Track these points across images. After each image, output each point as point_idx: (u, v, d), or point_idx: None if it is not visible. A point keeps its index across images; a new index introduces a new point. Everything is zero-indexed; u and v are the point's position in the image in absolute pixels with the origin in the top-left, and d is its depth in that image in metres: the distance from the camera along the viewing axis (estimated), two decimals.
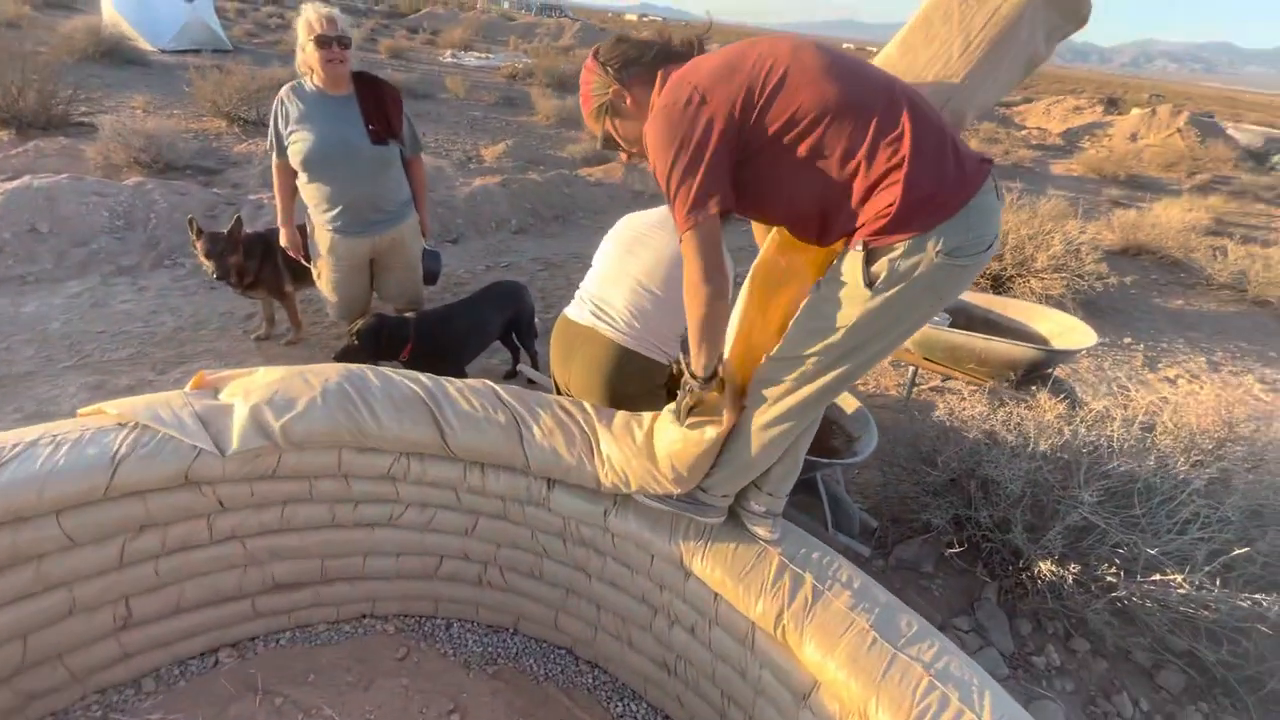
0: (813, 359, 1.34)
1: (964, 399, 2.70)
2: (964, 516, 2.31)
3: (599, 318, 1.87)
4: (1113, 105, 22.71)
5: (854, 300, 1.25)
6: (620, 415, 1.72)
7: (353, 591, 1.95)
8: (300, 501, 1.76)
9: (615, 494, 1.67)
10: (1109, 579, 1.95)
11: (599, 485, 1.64)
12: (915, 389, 3.77)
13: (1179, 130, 16.43)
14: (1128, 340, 4.96)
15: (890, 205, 1.16)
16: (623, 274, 1.87)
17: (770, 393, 1.42)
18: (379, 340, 2.46)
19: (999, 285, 5.18)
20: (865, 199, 1.19)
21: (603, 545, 1.75)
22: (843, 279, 1.26)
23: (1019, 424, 2.37)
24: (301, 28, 2.30)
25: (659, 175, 1.25)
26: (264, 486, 1.68)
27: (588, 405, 1.79)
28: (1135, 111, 19.38)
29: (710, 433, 1.46)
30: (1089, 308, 5.14)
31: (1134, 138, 17.10)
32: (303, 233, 2.76)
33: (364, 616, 2.02)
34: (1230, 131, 17.52)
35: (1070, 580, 2.01)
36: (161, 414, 1.59)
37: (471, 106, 10.83)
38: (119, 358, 3.14)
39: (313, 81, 2.40)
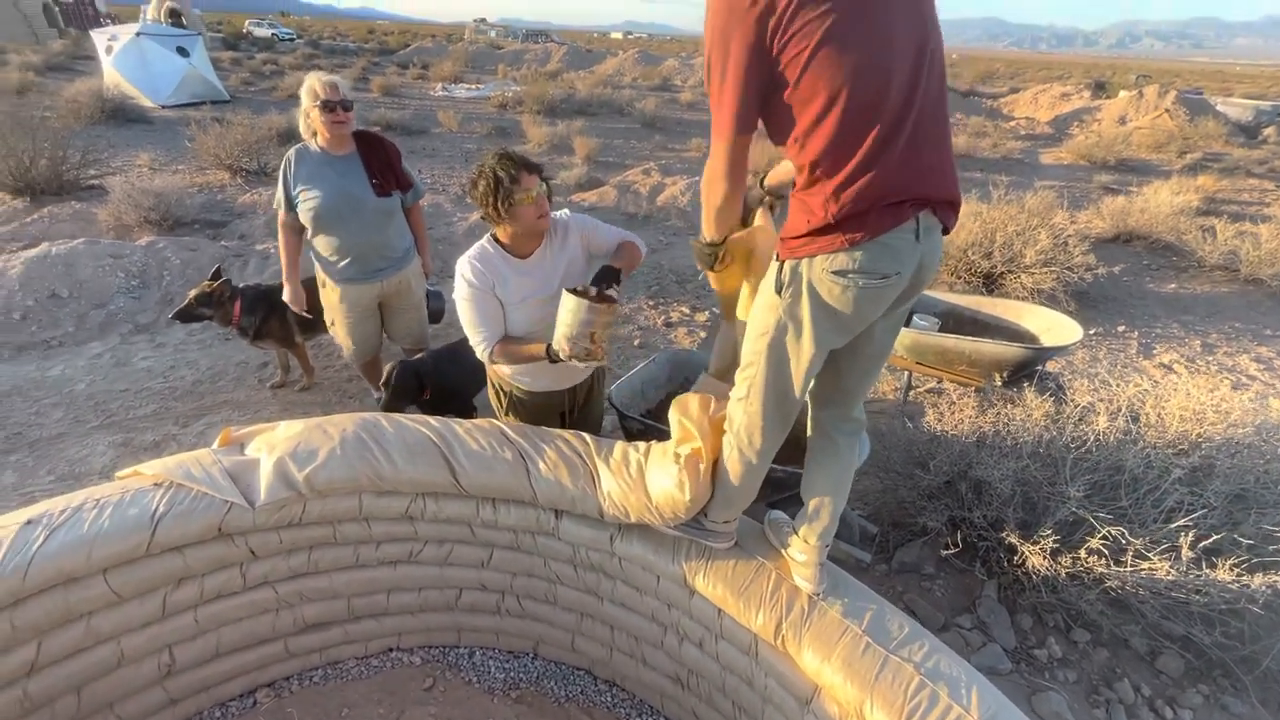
0: (753, 366, 1.36)
1: (953, 402, 2.79)
2: (959, 518, 2.39)
3: None
4: (1100, 89, 22.81)
5: (770, 305, 1.28)
6: (619, 447, 1.83)
7: (379, 627, 2.06)
8: (326, 545, 1.87)
9: (619, 522, 1.77)
10: (1099, 570, 2.03)
11: (602, 515, 1.74)
12: (912, 391, 3.86)
13: (1167, 110, 16.47)
14: (1122, 328, 5.03)
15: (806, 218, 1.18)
16: None
17: (736, 410, 1.47)
18: (419, 383, 2.58)
19: (990, 283, 5.26)
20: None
21: (611, 569, 1.85)
22: (768, 280, 1.29)
23: (1006, 424, 2.45)
24: (306, 95, 2.46)
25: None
26: (291, 533, 1.79)
27: (588, 437, 1.90)
28: (1123, 94, 19.45)
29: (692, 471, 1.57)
30: (1081, 299, 5.21)
31: (1123, 121, 17.17)
32: (311, 288, 2.90)
33: (391, 650, 2.12)
34: (1220, 107, 17.55)
35: (1063, 574, 2.08)
36: (194, 472, 1.71)
37: (465, 139, 11.07)
38: (143, 414, 3.29)
39: (317, 144, 2.56)
